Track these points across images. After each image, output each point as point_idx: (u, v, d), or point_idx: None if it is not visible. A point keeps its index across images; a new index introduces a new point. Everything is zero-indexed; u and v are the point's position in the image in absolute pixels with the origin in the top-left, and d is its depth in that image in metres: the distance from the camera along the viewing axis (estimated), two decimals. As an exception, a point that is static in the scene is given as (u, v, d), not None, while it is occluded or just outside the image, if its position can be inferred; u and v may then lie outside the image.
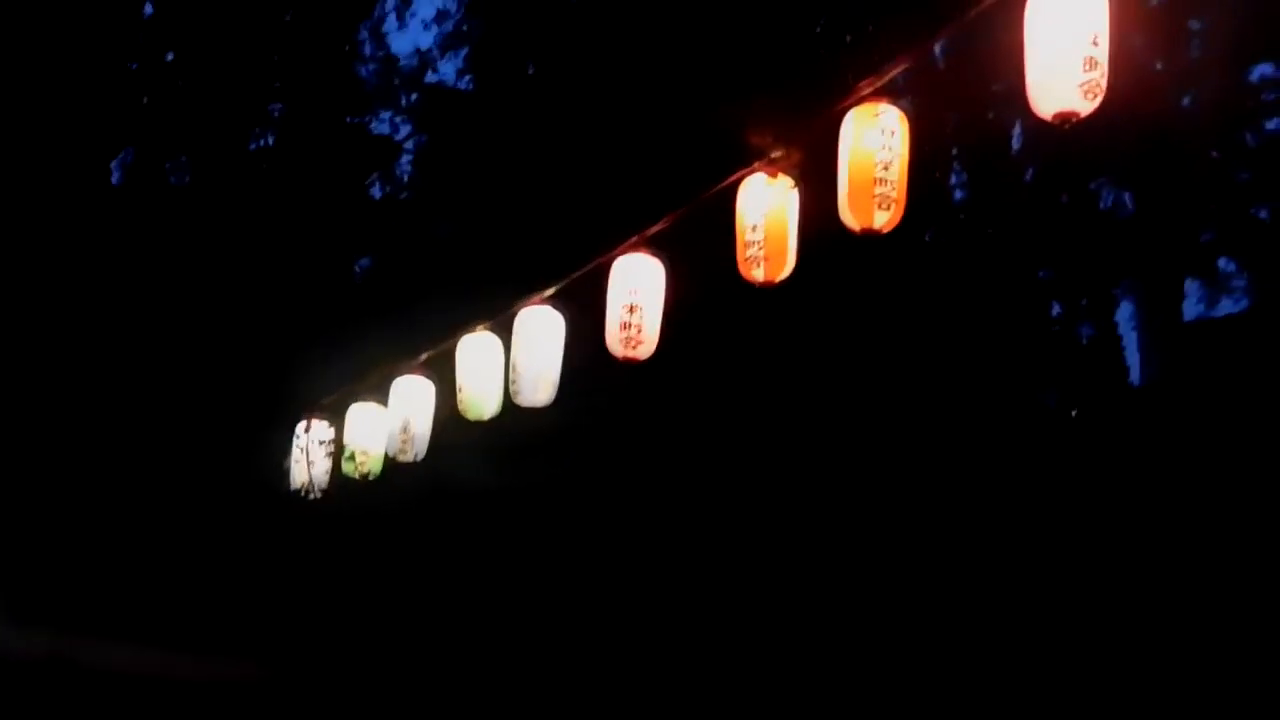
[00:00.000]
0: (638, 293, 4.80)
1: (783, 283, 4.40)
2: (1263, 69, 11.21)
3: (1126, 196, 12.44)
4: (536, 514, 6.76)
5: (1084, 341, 12.58)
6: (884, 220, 3.87)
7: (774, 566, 7.45)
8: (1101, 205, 12.06)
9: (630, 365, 4.87)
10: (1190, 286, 12.79)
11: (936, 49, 3.83)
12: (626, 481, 7.04)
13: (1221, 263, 12.65)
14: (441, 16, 12.05)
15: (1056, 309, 12.60)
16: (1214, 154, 11.68)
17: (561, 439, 6.64)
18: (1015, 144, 11.78)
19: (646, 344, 4.81)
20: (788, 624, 7.31)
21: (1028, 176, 11.87)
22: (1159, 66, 10.72)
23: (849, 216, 3.91)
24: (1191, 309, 13.10)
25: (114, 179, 9.56)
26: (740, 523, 7.45)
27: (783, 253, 4.33)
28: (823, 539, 7.71)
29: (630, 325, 4.77)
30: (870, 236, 3.92)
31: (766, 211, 4.32)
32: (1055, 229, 11.46)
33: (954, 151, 11.43)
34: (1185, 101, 11.22)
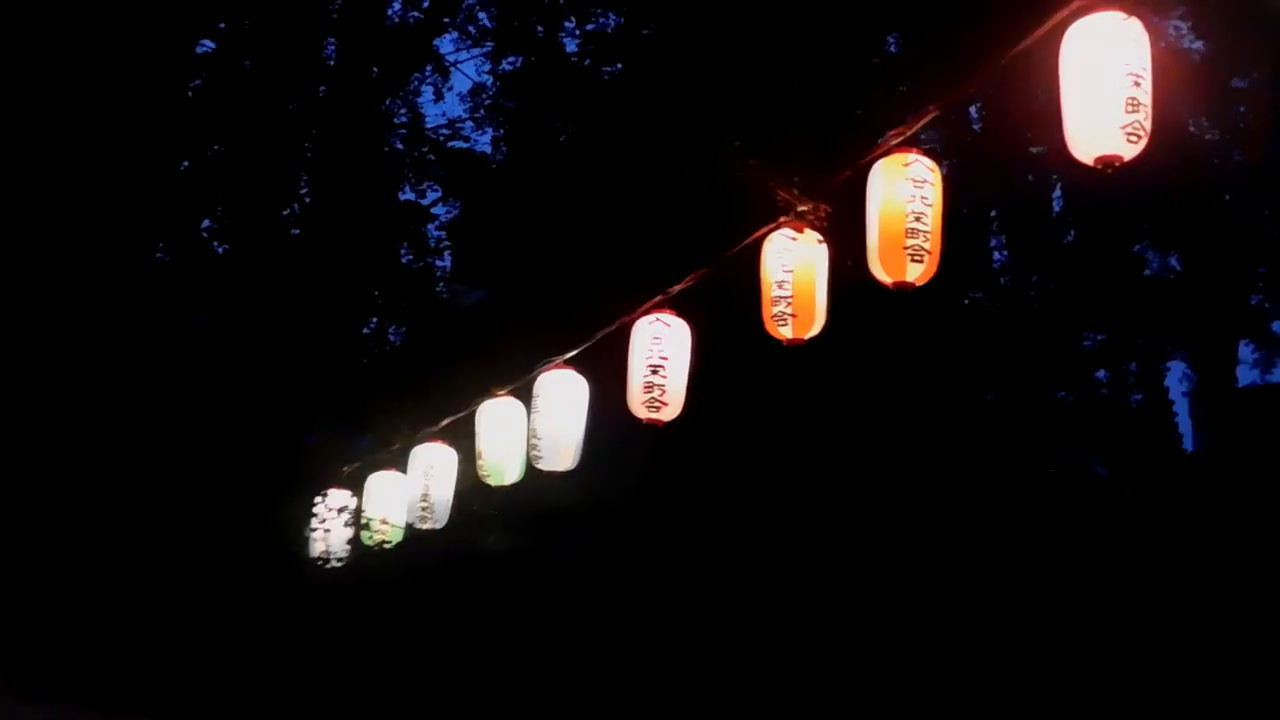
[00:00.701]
0: (662, 353, 4.64)
1: (812, 340, 4.22)
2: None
3: (1173, 259, 12.19)
4: (559, 585, 6.54)
5: (1135, 408, 12.23)
6: (917, 273, 3.70)
7: (801, 653, 7.14)
8: (1149, 269, 11.78)
9: (655, 428, 4.69)
10: (1244, 352, 12.47)
11: (969, 96, 3.65)
12: (654, 554, 6.81)
13: (1276, 326, 12.29)
14: (477, 90, 12.30)
15: (1105, 374, 12.31)
16: (1265, 212, 11.41)
17: (589, 508, 6.45)
18: (1056, 203, 11.59)
19: (671, 406, 4.64)
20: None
21: (1069, 238, 11.63)
22: (1204, 121, 10.53)
23: (880, 270, 3.74)
24: (1246, 374, 12.75)
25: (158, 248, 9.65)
26: (768, 603, 7.17)
27: (811, 310, 4.15)
28: (858, 618, 7.41)
29: (654, 387, 4.61)
30: (903, 290, 3.74)
31: (794, 267, 4.16)
32: (1102, 291, 11.19)
33: (992, 209, 11.23)
34: (1233, 157, 11.00)
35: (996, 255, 12.13)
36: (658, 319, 4.68)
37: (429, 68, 11.73)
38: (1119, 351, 11.74)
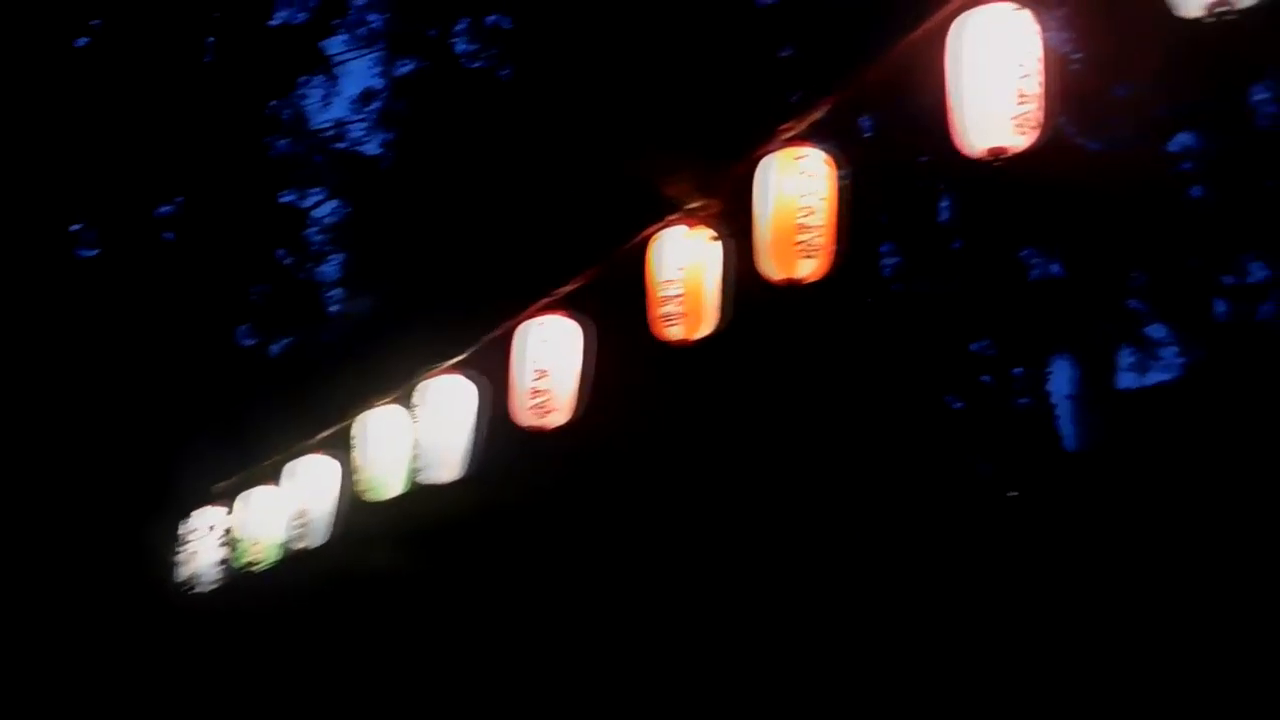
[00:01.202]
0: (549, 357, 4.44)
1: (702, 341, 4.09)
2: (1183, 139, 11.44)
3: (1055, 266, 12.51)
4: (447, 607, 6.26)
5: (1020, 411, 12.51)
6: (809, 269, 3.60)
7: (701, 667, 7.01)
8: (1032, 274, 12.05)
9: (540, 435, 4.49)
10: (1126, 357, 12.85)
11: (864, 89, 3.56)
12: (548, 570, 6.58)
13: (1153, 331, 12.72)
14: (366, 95, 11.93)
15: (990, 378, 12.56)
16: (1142, 220, 11.79)
17: (480, 521, 6.19)
18: (947, 207, 11.78)
19: (559, 411, 4.45)
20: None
21: (957, 243, 11.85)
22: (1083, 128, 10.83)
23: (770, 266, 3.63)
24: (1128, 380, 13.15)
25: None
26: (669, 619, 7.02)
27: (700, 310, 4.02)
28: (756, 629, 7.32)
29: (540, 392, 4.41)
30: (793, 288, 3.64)
31: (684, 265, 4.02)
32: (988, 296, 11.42)
33: (882, 215, 11.35)
34: (1111, 164, 11.34)
35: (886, 262, 12.32)
36: (545, 321, 4.49)
37: (318, 71, 11.35)
38: (1005, 356, 11.99)
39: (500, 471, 5.19)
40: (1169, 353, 12.59)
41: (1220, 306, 11.62)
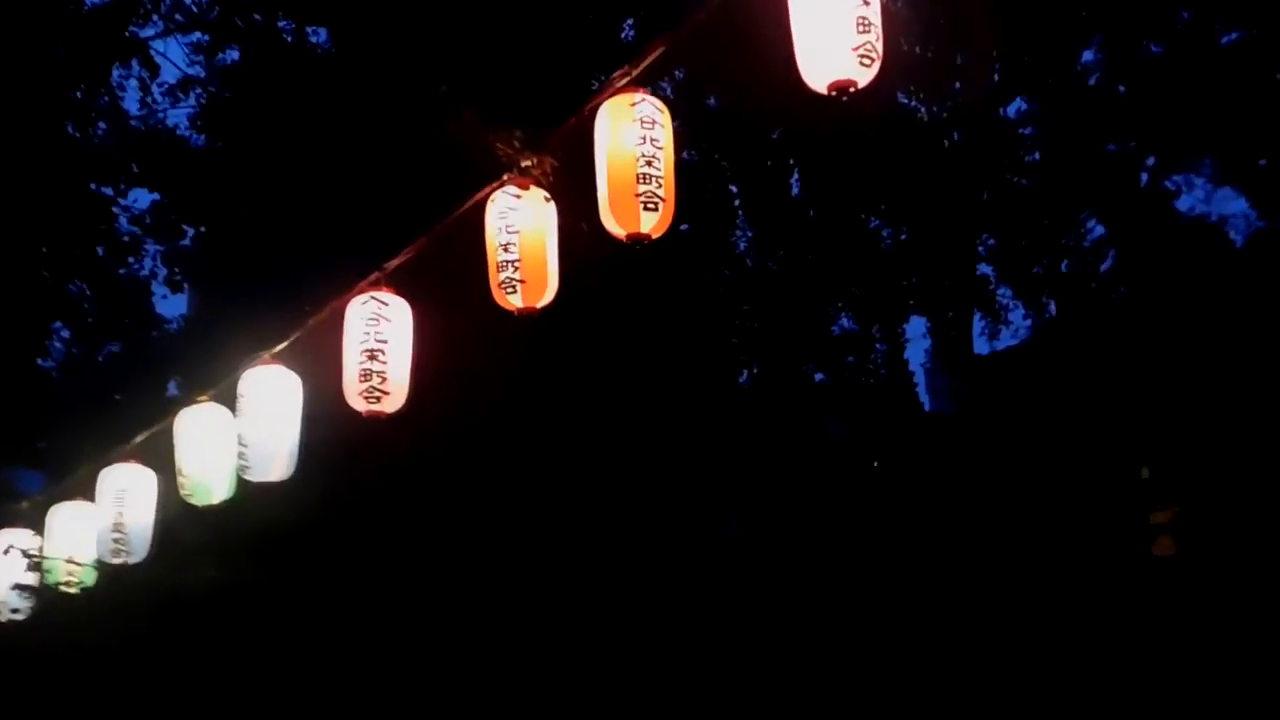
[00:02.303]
0: (379, 336, 4.10)
1: (546, 309, 3.82)
2: (1019, 104, 11.78)
3: (904, 233, 12.72)
4: (286, 621, 5.79)
5: (880, 381, 12.71)
6: (652, 223, 3.37)
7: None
8: (884, 243, 12.23)
9: (377, 422, 4.15)
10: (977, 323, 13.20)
11: (697, 31, 3.35)
12: (401, 568, 6.19)
13: (1003, 298, 13.09)
14: (185, 82, 11.19)
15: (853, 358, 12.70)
16: (985, 194, 12.10)
17: (322, 521, 5.76)
18: (793, 167, 11.79)
19: (393, 395, 4.11)
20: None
21: (809, 210, 11.89)
22: (923, 96, 11.03)
23: (612, 222, 3.39)
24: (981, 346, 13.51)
25: None
26: (527, 620, 6.72)
27: (542, 275, 3.75)
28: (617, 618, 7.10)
29: (372, 374, 4.06)
30: (639, 244, 3.40)
31: (520, 229, 3.74)
32: (843, 266, 11.51)
33: (734, 190, 11.30)
34: (955, 137, 11.59)
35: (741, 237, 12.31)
36: (373, 298, 4.15)
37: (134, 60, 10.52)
38: (864, 326, 12.14)
39: (339, 465, 4.80)
40: (1016, 316, 13.03)
41: (1060, 268, 12.01)
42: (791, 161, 12.17)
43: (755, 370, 10.43)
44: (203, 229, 8.71)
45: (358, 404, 4.11)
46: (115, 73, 10.59)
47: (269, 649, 5.91)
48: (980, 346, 12.97)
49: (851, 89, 2.98)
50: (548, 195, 3.79)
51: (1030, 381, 11.97)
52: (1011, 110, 11.83)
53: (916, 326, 15.33)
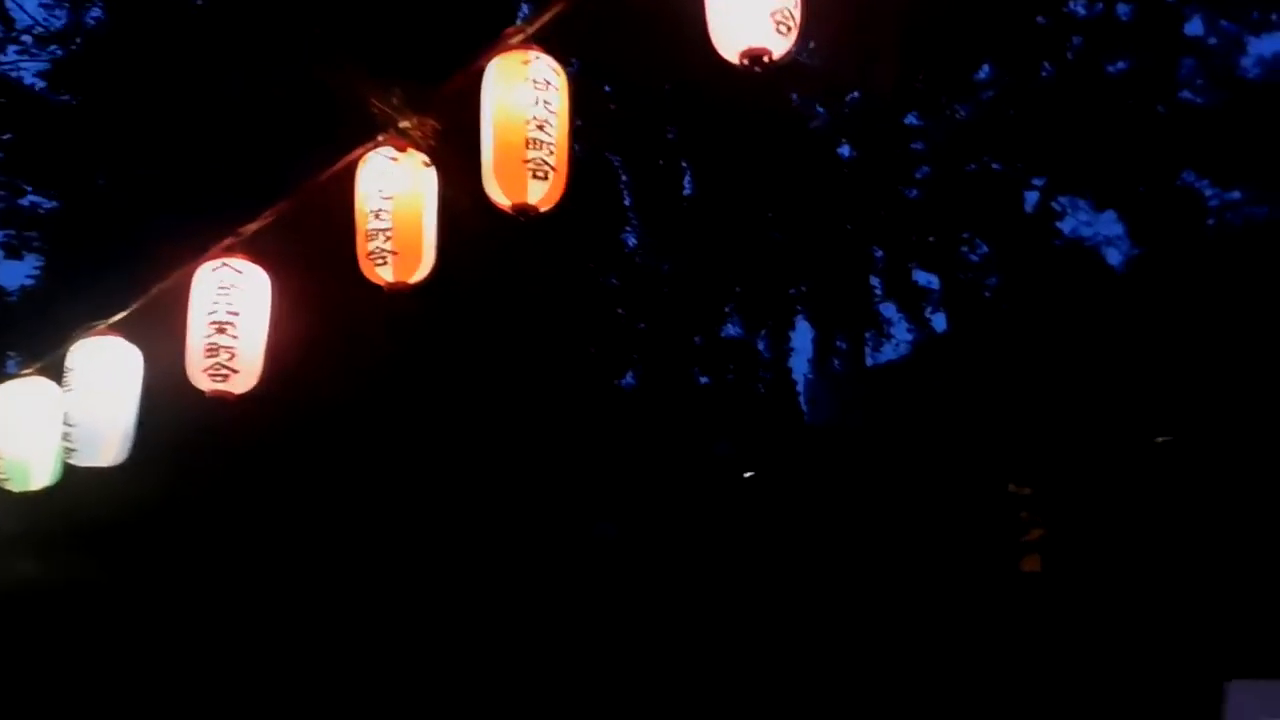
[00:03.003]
0: (230, 308, 3.71)
1: (420, 285, 3.50)
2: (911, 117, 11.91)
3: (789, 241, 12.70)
4: (115, 622, 5.27)
5: (763, 391, 12.68)
6: (540, 194, 3.09)
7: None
8: (774, 248, 12.18)
9: (224, 403, 3.75)
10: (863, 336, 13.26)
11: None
12: (243, 567, 5.72)
13: (886, 312, 13.20)
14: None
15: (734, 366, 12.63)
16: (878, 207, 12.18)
17: (156, 513, 5.26)
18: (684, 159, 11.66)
19: (244, 374, 3.72)
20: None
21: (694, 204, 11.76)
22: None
23: (496, 190, 3.10)
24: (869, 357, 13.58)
25: None
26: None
27: (416, 247, 3.43)
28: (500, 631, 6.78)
29: (219, 349, 3.67)
30: (526, 215, 3.12)
31: (394, 195, 3.42)
32: (732, 270, 11.43)
33: (624, 194, 11.10)
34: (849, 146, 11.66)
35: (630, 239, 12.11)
36: (225, 265, 3.75)
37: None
38: (750, 332, 12.08)
39: (179, 451, 4.36)
40: (900, 330, 13.16)
41: (946, 283, 12.18)
42: (684, 163, 12.04)
43: (639, 371, 10.24)
44: (51, 191, 8.00)
45: (201, 382, 3.71)
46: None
47: (97, 651, 5.38)
48: (865, 361, 13.06)
49: (765, 58, 2.77)
50: (427, 160, 3.47)
51: (911, 396, 12.11)
52: (905, 123, 11.97)
53: (801, 336, 15.40)
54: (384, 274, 3.42)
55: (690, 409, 10.92)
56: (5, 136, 8.48)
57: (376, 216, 3.40)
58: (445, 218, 3.61)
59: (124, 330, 4.23)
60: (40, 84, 9.54)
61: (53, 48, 10.17)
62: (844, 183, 11.74)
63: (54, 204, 7.81)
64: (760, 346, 12.44)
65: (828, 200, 11.79)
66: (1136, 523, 9.66)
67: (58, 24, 10.27)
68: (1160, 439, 9.83)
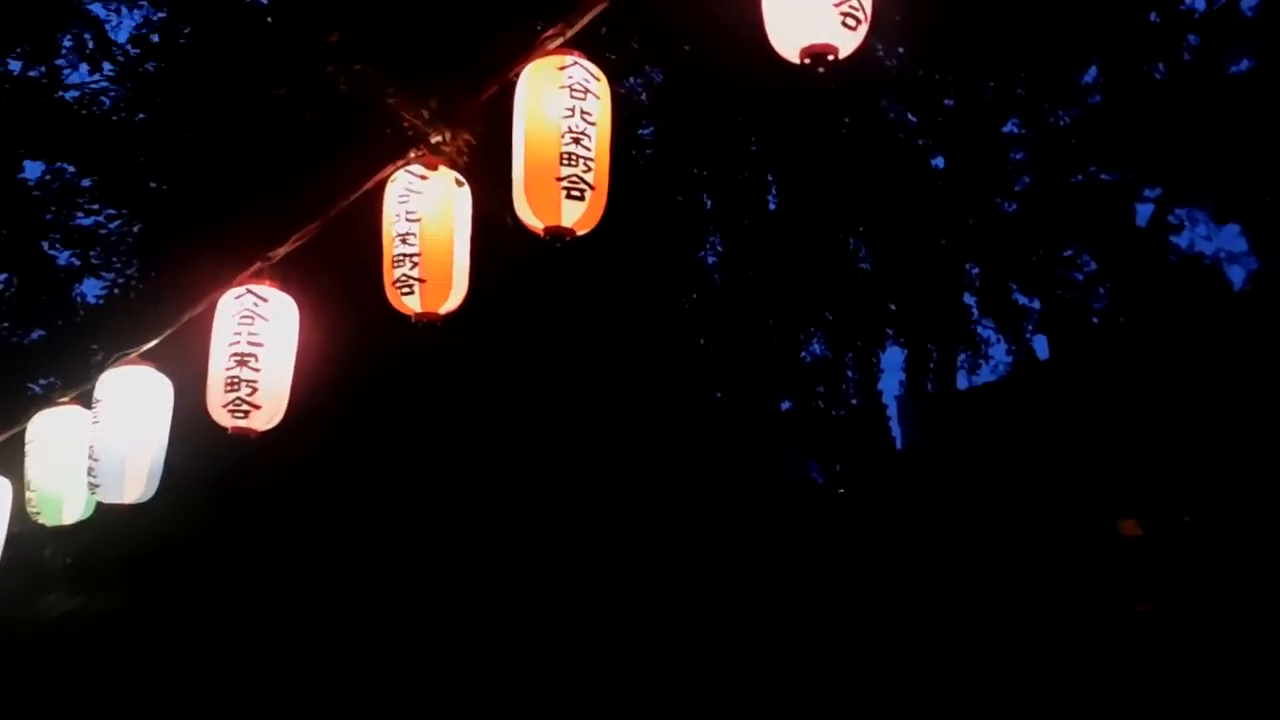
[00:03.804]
0: (252, 338, 3.47)
1: (450, 316, 3.21)
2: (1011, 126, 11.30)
3: (884, 260, 12.21)
4: (151, 662, 5.10)
5: (851, 414, 12.19)
6: (576, 215, 2.77)
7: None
8: (861, 266, 11.70)
9: (247, 440, 3.51)
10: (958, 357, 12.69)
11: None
12: (280, 607, 5.52)
13: (983, 332, 12.58)
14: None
15: (823, 387, 12.19)
16: (971, 220, 11.61)
17: (186, 551, 5.09)
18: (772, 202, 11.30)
19: (267, 409, 3.48)
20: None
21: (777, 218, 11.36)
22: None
23: (527, 211, 2.79)
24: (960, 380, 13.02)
25: None
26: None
27: (446, 274, 3.15)
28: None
29: (240, 383, 3.43)
30: (561, 240, 2.80)
31: (422, 216, 3.14)
32: (818, 288, 10.99)
33: (707, 202, 10.77)
34: (943, 157, 11.13)
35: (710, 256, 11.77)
36: (249, 292, 3.51)
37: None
38: (837, 354, 11.61)
39: (210, 487, 4.15)
40: (998, 351, 12.54)
41: (1048, 302, 11.53)
42: (770, 177, 11.66)
43: (718, 395, 9.86)
44: (124, 211, 7.98)
45: (221, 418, 3.48)
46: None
47: (140, 685, 5.22)
48: (959, 381, 12.47)
49: (830, 56, 2.41)
50: (460, 178, 3.19)
51: (1008, 419, 11.53)
52: (1004, 131, 11.36)
53: (891, 358, 14.86)
54: (410, 303, 3.14)
55: (772, 431, 10.51)
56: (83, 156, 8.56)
57: (404, 241, 3.13)
58: (483, 241, 3.33)
59: (155, 359, 4.05)
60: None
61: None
62: (937, 195, 11.19)
63: (118, 223, 7.84)
64: (849, 369, 11.95)
65: (919, 214, 11.27)
66: (1255, 562, 8.97)
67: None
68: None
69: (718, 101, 9.06)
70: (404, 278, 3.12)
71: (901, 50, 10.38)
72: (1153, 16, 10.21)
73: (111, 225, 9.11)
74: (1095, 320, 10.82)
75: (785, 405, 11.27)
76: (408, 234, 3.13)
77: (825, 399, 12.09)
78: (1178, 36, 10.31)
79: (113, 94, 9.45)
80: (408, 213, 3.14)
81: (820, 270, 11.22)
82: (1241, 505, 8.87)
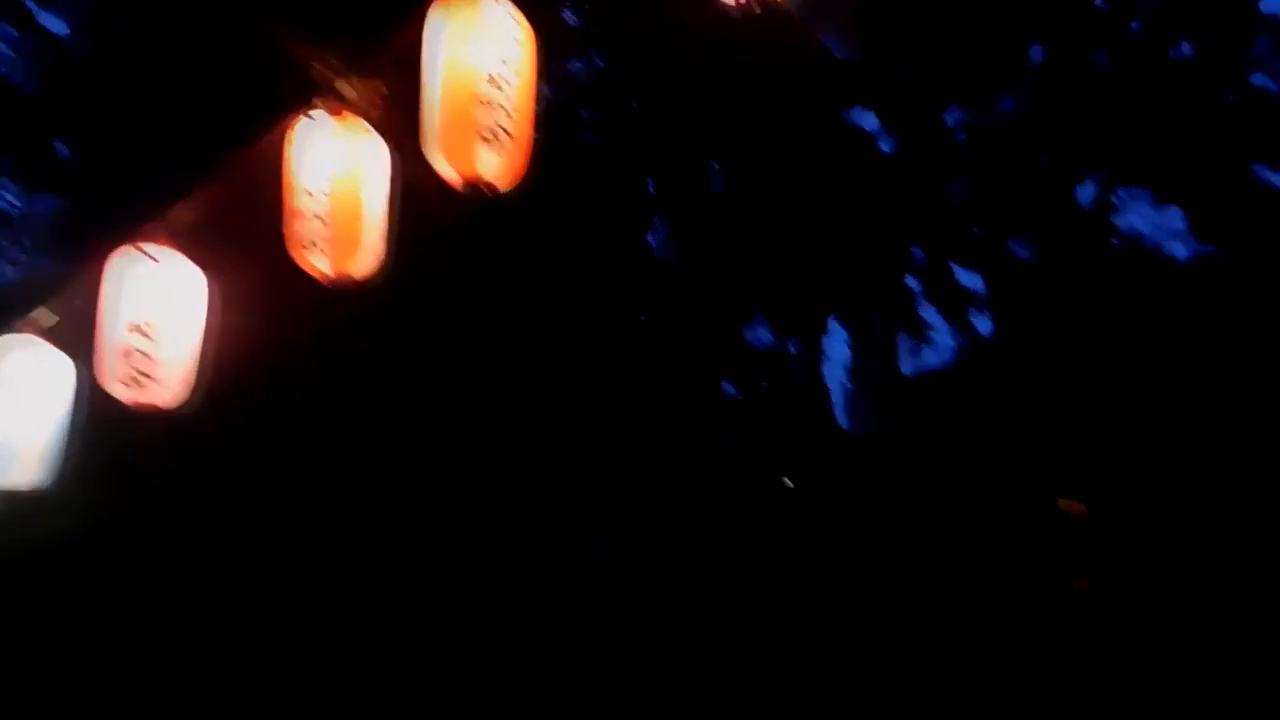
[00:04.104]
0: (149, 305, 3.22)
1: (370, 281, 2.99)
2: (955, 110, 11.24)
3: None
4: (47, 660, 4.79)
5: (794, 396, 12.09)
6: (494, 166, 2.57)
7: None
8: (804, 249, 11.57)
9: (150, 415, 3.27)
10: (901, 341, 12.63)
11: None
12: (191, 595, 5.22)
13: (927, 315, 12.53)
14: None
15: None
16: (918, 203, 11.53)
17: (86, 539, 4.79)
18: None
19: (167, 383, 3.23)
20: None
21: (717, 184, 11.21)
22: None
23: (441, 160, 2.59)
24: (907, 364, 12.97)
25: None
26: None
27: (356, 233, 2.94)
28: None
29: (135, 353, 3.18)
30: (481, 193, 2.60)
31: (334, 173, 2.92)
32: (762, 269, 10.87)
33: (648, 183, 10.60)
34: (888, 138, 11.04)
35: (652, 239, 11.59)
36: (142, 253, 3.26)
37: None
38: (780, 335, 11.51)
39: (110, 470, 3.88)
40: (942, 335, 12.50)
41: (992, 283, 11.50)
42: (710, 155, 11.51)
43: (648, 373, 9.68)
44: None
45: (117, 390, 3.24)
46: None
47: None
48: (904, 367, 12.41)
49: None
50: (373, 127, 2.97)
51: (955, 405, 11.52)
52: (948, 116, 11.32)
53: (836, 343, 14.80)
54: (318, 264, 2.92)
55: (712, 418, 10.37)
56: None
57: (309, 195, 2.90)
58: (414, 204, 3.12)
59: (52, 334, 3.77)
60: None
61: None
62: (880, 178, 11.13)
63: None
64: (792, 353, 11.84)
65: (862, 197, 11.19)
66: (1197, 542, 9.03)
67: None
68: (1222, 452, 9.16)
69: (663, 82, 8.88)
70: (310, 236, 2.90)
71: (848, 38, 10.29)
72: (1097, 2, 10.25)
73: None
74: (1037, 301, 10.83)
75: (727, 390, 11.15)
76: (311, 187, 2.91)
77: (769, 383, 11.99)
78: (1122, 23, 10.35)
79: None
80: (311, 163, 2.92)
81: (765, 253, 11.10)
82: (1187, 486, 8.91)
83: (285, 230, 2.95)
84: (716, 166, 11.65)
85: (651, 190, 11.39)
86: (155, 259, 3.23)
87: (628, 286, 9.64)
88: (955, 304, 11.44)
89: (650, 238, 10.90)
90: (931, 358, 12.43)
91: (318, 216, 2.89)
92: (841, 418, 12.46)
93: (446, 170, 2.57)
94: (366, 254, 2.95)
